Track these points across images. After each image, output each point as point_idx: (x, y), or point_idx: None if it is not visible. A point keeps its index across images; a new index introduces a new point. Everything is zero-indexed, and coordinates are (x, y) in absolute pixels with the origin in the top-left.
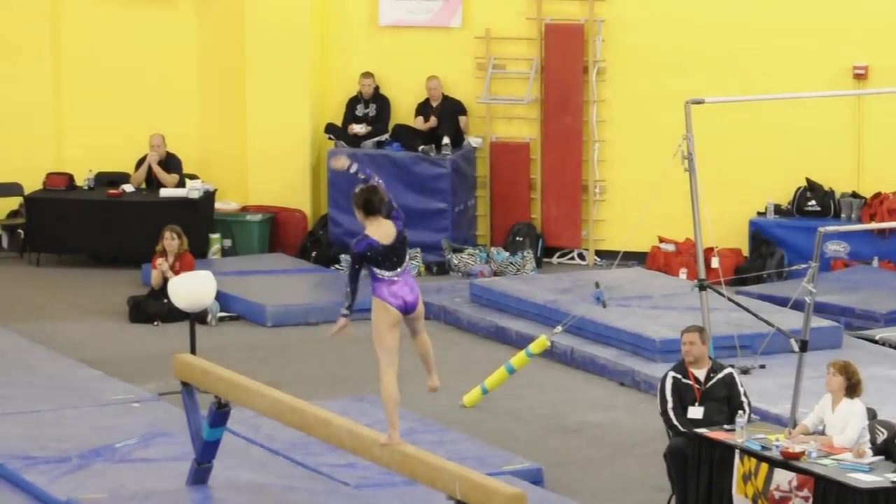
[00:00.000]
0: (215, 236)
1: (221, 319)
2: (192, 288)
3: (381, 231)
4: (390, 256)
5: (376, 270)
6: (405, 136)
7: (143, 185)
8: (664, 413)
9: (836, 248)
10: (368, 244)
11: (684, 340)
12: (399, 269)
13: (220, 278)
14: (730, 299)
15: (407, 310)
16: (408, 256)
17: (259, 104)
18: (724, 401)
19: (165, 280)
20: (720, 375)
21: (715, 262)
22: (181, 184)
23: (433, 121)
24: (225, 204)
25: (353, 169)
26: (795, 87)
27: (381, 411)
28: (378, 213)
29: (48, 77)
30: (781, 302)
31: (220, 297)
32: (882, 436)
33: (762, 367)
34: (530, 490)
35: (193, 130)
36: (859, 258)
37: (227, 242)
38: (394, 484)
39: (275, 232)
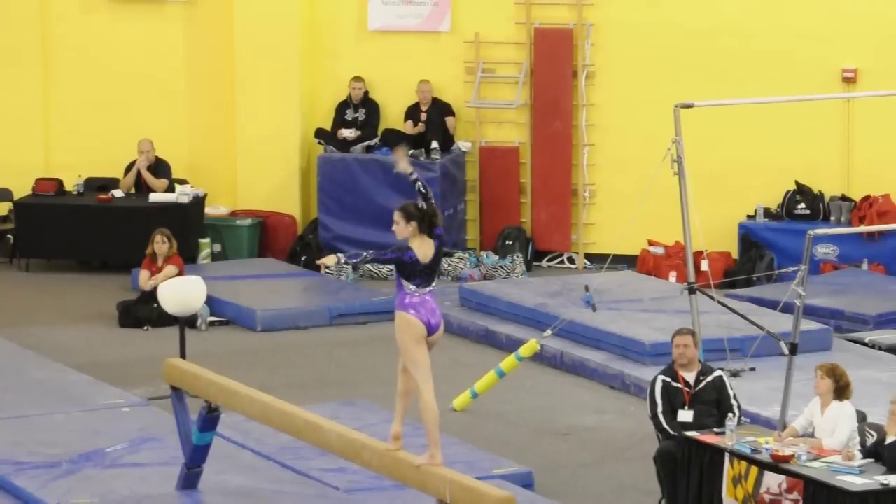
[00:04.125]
0: (205, 241)
1: (211, 324)
2: (182, 292)
3: (423, 250)
4: (424, 273)
5: (405, 284)
6: (394, 140)
7: (133, 191)
8: (654, 416)
9: (825, 251)
10: (409, 257)
11: (677, 343)
12: (428, 288)
13: (210, 283)
14: (720, 302)
15: (430, 329)
16: (437, 277)
17: (248, 109)
18: (714, 404)
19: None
20: (710, 378)
21: (705, 266)
22: (170, 189)
23: (422, 125)
24: (214, 209)
25: (414, 177)
26: (785, 90)
27: (370, 415)
28: (427, 232)
29: (37, 83)
30: (771, 305)
31: (210, 301)
32: (871, 438)
33: (752, 369)
34: (520, 494)
35: (183, 135)
36: (849, 261)
37: (217, 247)
38: (384, 488)
39: (264, 236)
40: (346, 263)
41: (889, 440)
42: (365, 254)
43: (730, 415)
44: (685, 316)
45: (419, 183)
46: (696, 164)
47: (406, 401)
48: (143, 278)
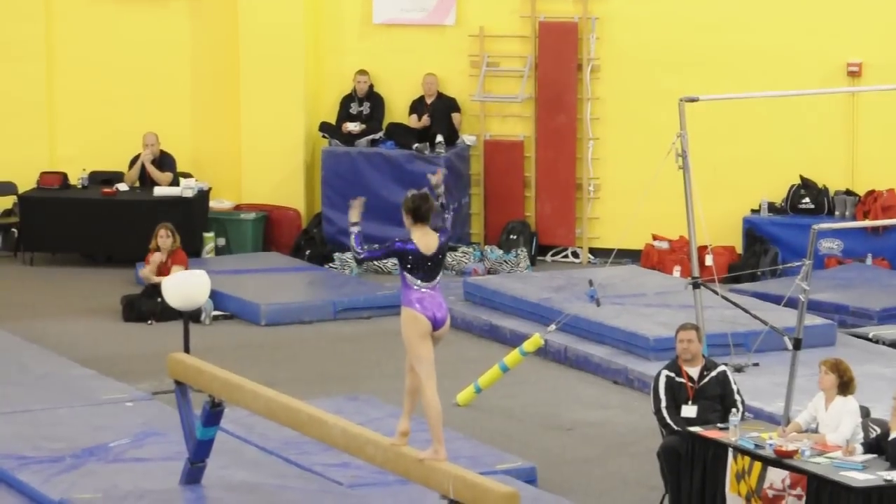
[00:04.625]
0: (209, 235)
1: (215, 318)
2: (186, 287)
3: (425, 241)
4: (427, 267)
5: (409, 278)
6: (399, 134)
7: (137, 184)
8: (657, 412)
9: (829, 246)
10: (411, 248)
11: (681, 338)
12: (432, 282)
13: (214, 277)
14: (724, 297)
15: (435, 324)
16: (442, 271)
17: (253, 102)
18: (718, 399)
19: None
20: (713, 374)
21: (709, 260)
22: (175, 182)
23: (426, 119)
24: (219, 202)
25: (440, 190)
26: (789, 84)
27: (374, 409)
28: (425, 221)
29: (42, 76)
30: (775, 300)
31: (214, 295)
32: (875, 433)
33: (756, 365)
34: (524, 489)
35: (187, 129)
36: (853, 255)
37: (221, 241)
38: (387, 483)
39: (269, 230)
40: (439, 195)
41: (892, 435)
42: (360, 250)
43: (733, 410)
44: (689, 311)
45: (441, 197)
46: (700, 159)
47: (414, 398)
48: (147, 273)
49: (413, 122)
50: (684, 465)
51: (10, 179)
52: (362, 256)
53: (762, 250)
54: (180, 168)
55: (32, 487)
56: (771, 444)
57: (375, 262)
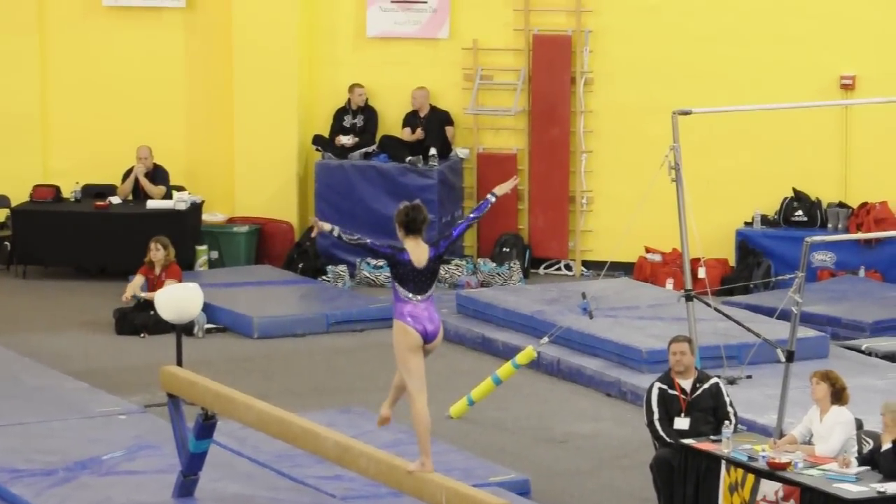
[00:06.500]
0: (202, 248)
1: (208, 331)
2: (179, 299)
3: (417, 253)
4: (417, 279)
5: (399, 289)
6: (392, 147)
7: (130, 197)
8: (650, 424)
9: (822, 258)
10: (403, 258)
11: (673, 350)
12: (422, 295)
13: (207, 290)
14: (716, 310)
15: (426, 338)
16: (434, 285)
17: (246, 116)
18: (711, 411)
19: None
20: (706, 386)
21: (702, 273)
22: (168, 195)
23: (420, 132)
24: (212, 215)
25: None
26: (782, 97)
27: (367, 422)
28: (418, 233)
29: (35, 89)
30: (768, 312)
31: (207, 308)
32: (868, 446)
33: (749, 377)
34: (517, 501)
35: (180, 142)
36: (846, 268)
37: (214, 254)
38: (380, 495)
39: (262, 243)
40: (338, 236)
41: (884, 448)
42: (360, 236)
43: (726, 422)
44: (682, 323)
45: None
46: (693, 171)
47: (399, 391)
48: (128, 292)
49: (406, 135)
50: (677, 478)
51: (2, 192)
52: (365, 242)
53: (755, 263)
54: (173, 181)
55: (25, 500)
56: (764, 456)
57: (367, 274)
